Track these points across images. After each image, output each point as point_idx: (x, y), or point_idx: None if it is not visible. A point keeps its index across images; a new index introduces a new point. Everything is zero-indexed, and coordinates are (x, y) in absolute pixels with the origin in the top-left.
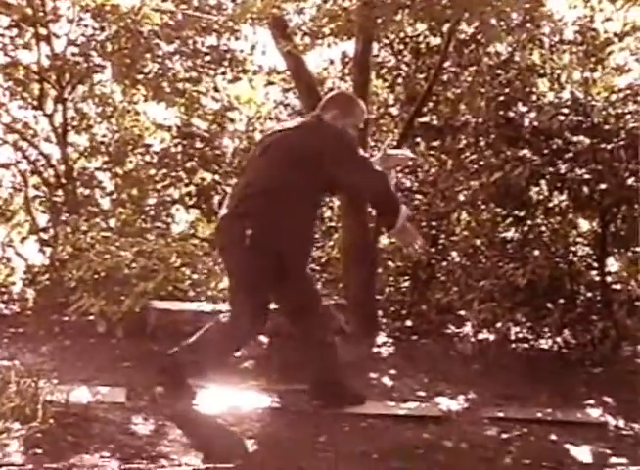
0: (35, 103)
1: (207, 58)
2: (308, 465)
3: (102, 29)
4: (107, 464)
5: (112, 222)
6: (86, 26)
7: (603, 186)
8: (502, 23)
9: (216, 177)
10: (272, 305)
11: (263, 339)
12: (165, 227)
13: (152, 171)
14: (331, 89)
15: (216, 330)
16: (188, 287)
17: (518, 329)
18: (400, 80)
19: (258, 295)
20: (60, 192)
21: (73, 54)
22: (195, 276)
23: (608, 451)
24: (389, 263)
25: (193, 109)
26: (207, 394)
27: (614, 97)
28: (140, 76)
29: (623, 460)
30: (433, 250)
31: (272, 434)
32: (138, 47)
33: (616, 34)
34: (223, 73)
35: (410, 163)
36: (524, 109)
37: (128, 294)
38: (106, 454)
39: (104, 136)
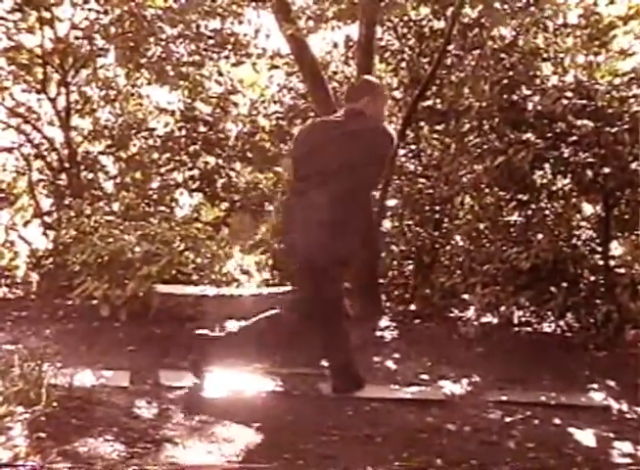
0: (39, 87)
1: (211, 41)
2: (312, 449)
3: (105, 13)
4: (111, 448)
5: (115, 206)
6: (90, 10)
7: (606, 170)
8: (506, 6)
9: (220, 161)
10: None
11: None
12: (169, 211)
13: (155, 155)
14: (332, 73)
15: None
16: (191, 271)
17: (521, 313)
18: (404, 64)
19: None
20: (63, 176)
21: (77, 37)
22: (198, 260)
23: (611, 435)
24: (393, 247)
25: (196, 92)
26: (211, 377)
27: (617, 81)
28: (143, 60)
29: (627, 443)
30: (436, 233)
31: (276, 417)
32: (141, 31)
33: (620, 18)
34: (227, 57)
35: None
36: (527, 92)
37: (132, 278)
38: (109, 438)
39: (107, 120)
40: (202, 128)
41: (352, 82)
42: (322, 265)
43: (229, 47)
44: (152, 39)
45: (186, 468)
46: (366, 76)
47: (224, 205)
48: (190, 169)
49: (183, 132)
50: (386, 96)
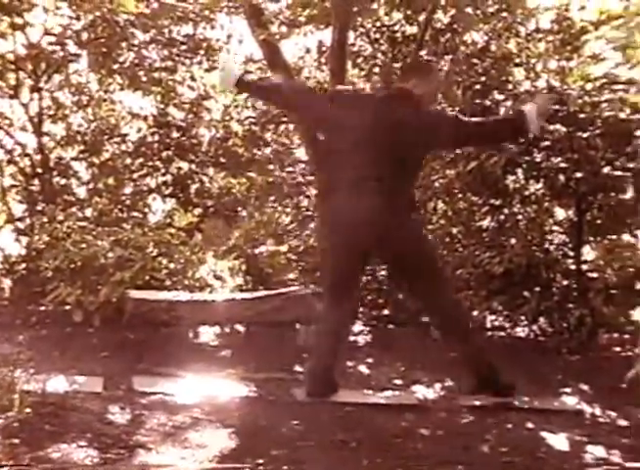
0: (11, 92)
1: (184, 47)
2: (286, 454)
3: (78, 18)
4: (84, 453)
5: (88, 212)
6: (62, 15)
7: (579, 174)
8: (478, 11)
9: (193, 166)
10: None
11: (240, 328)
12: (142, 217)
13: (128, 161)
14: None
15: None
16: (165, 276)
17: (494, 317)
18: (377, 69)
19: None
20: (36, 181)
21: (49, 43)
22: (171, 265)
23: (584, 439)
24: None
25: (169, 98)
26: (184, 382)
27: (589, 86)
28: (116, 66)
29: (599, 448)
30: None
31: (249, 422)
32: (114, 36)
33: (591, 23)
34: (199, 63)
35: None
36: (500, 97)
37: (105, 283)
38: (83, 443)
39: (80, 125)
40: (175, 134)
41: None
42: None
43: (202, 52)
44: (124, 45)
45: None
46: (422, 57)
47: (197, 210)
48: (163, 175)
49: (156, 138)
50: (439, 78)
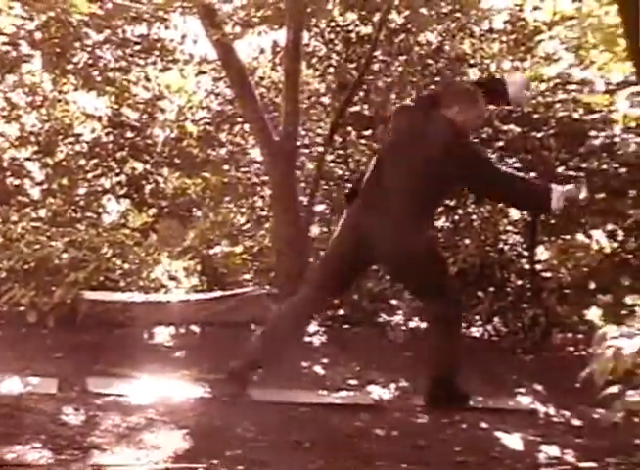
0: None
1: (138, 47)
2: (241, 455)
3: (31, 19)
4: (39, 454)
5: (42, 212)
6: (15, 16)
7: (533, 175)
8: (432, 11)
9: (147, 167)
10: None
11: (195, 328)
12: (96, 217)
13: (82, 161)
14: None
15: None
16: (119, 277)
17: None
18: (331, 69)
19: None
20: None
21: (2, 43)
22: (126, 266)
23: (538, 439)
24: (321, 252)
25: (123, 98)
26: (139, 383)
27: (543, 86)
28: (70, 66)
29: (553, 447)
30: None
31: (203, 423)
32: (68, 36)
33: (545, 23)
34: (153, 63)
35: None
36: None
37: (59, 284)
38: (37, 445)
39: (34, 126)
40: (129, 134)
41: (449, 84)
42: None
43: (156, 53)
44: (78, 45)
45: None
46: (464, 81)
47: (152, 211)
48: (117, 175)
49: (110, 138)
50: (480, 106)
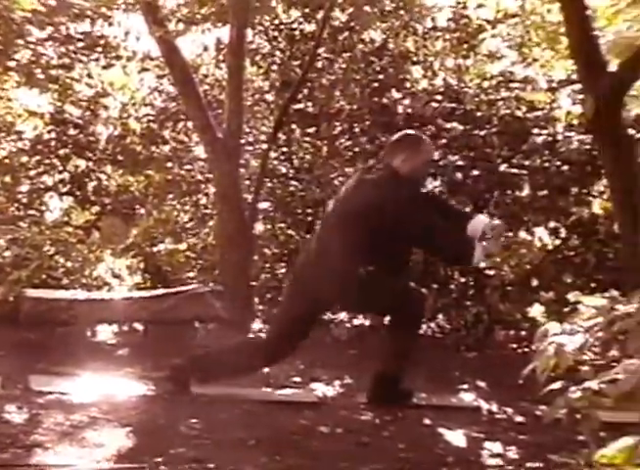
0: None
1: (81, 44)
2: (184, 452)
3: None
4: None
5: None
6: None
7: (475, 172)
8: (375, 9)
9: (90, 164)
10: None
11: (138, 326)
12: (39, 215)
13: (24, 158)
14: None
15: None
16: (62, 275)
17: None
18: (275, 67)
19: None
20: None
21: None
22: (69, 264)
23: (482, 435)
24: (265, 250)
25: (66, 95)
26: (82, 381)
27: (486, 84)
28: (12, 63)
29: (497, 444)
30: (308, 236)
31: (147, 421)
32: (10, 33)
33: (488, 21)
34: (96, 60)
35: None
36: (397, 95)
37: (1, 282)
38: None
39: None
40: (72, 131)
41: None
42: None
43: (99, 50)
44: (20, 42)
45: None
46: (408, 132)
47: (95, 208)
48: (60, 173)
49: (53, 135)
50: (427, 150)
